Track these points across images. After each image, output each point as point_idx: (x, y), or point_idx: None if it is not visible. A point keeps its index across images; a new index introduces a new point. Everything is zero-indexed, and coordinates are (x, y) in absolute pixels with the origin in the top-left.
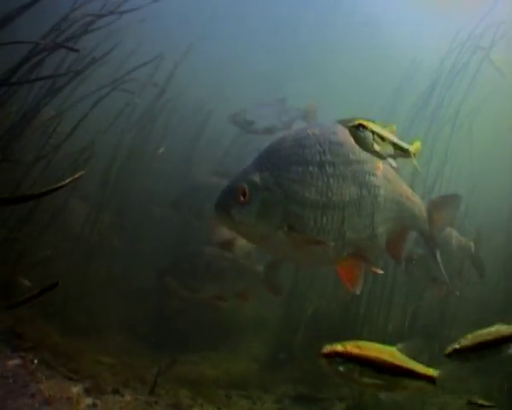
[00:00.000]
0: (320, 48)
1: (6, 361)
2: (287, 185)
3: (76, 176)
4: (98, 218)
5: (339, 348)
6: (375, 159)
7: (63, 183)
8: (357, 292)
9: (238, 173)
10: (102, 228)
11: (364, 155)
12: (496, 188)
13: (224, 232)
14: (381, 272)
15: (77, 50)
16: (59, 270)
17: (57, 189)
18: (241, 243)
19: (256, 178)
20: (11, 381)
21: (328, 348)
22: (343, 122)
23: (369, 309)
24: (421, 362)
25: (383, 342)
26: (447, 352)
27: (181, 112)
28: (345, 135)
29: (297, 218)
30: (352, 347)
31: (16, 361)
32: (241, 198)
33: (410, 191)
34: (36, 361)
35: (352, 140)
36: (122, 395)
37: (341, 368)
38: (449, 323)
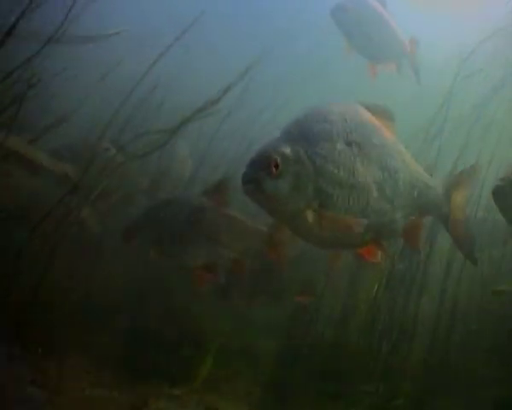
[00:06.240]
0: (319, 48)
1: None
2: (317, 160)
3: None
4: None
5: None
6: (393, 142)
7: None
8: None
9: (266, 145)
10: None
11: (384, 138)
12: None
13: None
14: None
15: None
16: None
17: None
18: None
19: (287, 150)
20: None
21: None
22: (363, 104)
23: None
24: None
25: None
26: None
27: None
28: (366, 116)
29: (327, 196)
30: None
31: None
32: (274, 170)
33: (425, 175)
34: None
35: (374, 121)
36: None
37: None
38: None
